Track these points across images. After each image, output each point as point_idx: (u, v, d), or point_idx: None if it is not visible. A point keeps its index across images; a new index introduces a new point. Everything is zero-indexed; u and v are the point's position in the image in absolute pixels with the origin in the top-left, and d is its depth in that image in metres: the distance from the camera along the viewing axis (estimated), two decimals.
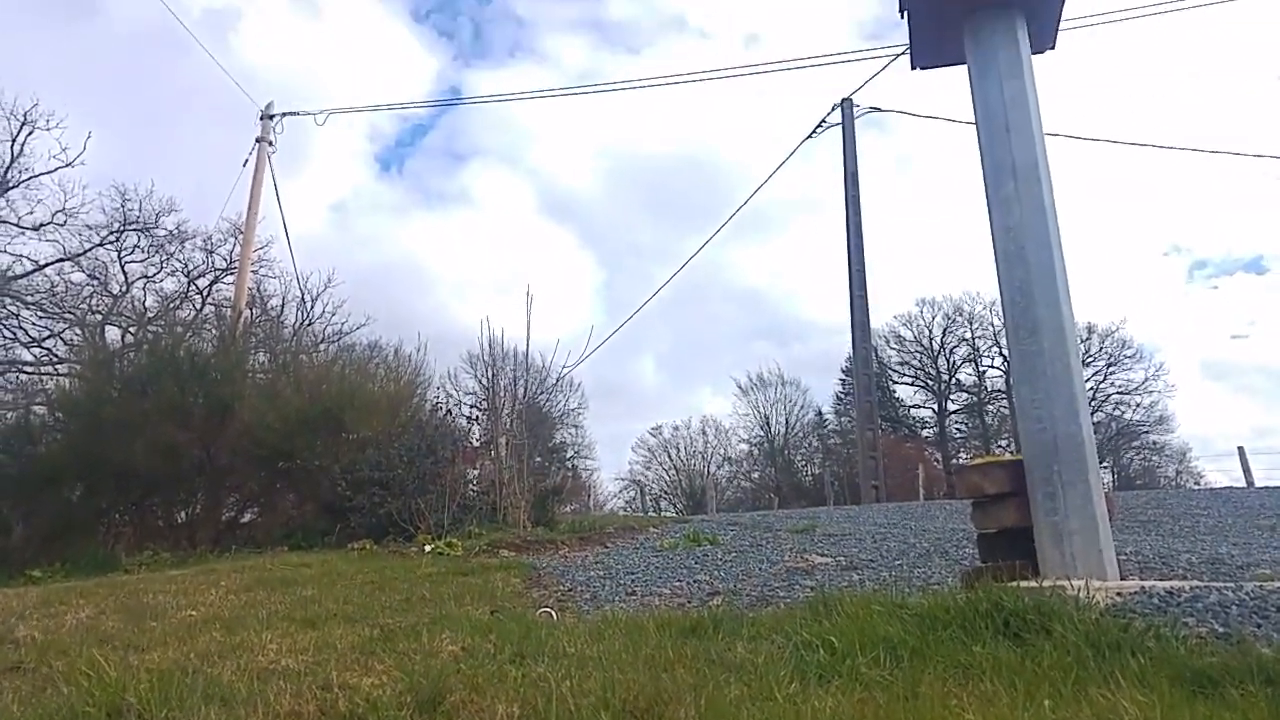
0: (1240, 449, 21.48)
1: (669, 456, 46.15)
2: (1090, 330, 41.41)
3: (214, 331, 15.20)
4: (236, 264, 22.90)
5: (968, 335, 45.12)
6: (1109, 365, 42.01)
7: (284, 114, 20.82)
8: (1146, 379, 42.17)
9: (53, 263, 25.16)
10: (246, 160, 20.63)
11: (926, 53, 4.48)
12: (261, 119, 20.65)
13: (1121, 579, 3.61)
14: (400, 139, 70.55)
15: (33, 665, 3.58)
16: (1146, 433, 42.45)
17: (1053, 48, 4.31)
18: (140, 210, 25.79)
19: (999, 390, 44.16)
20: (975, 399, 45.20)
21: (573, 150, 69.54)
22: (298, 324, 25.72)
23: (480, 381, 12.21)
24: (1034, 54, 4.09)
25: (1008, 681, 2.45)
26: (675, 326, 64.36)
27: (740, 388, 46.25)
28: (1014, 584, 3.29)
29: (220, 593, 5.99)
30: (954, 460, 43.96)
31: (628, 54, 69.54)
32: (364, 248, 54.73)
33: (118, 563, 9.94)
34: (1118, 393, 42.12)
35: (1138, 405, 42.24)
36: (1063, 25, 4.24)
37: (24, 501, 11.30)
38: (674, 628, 3.55)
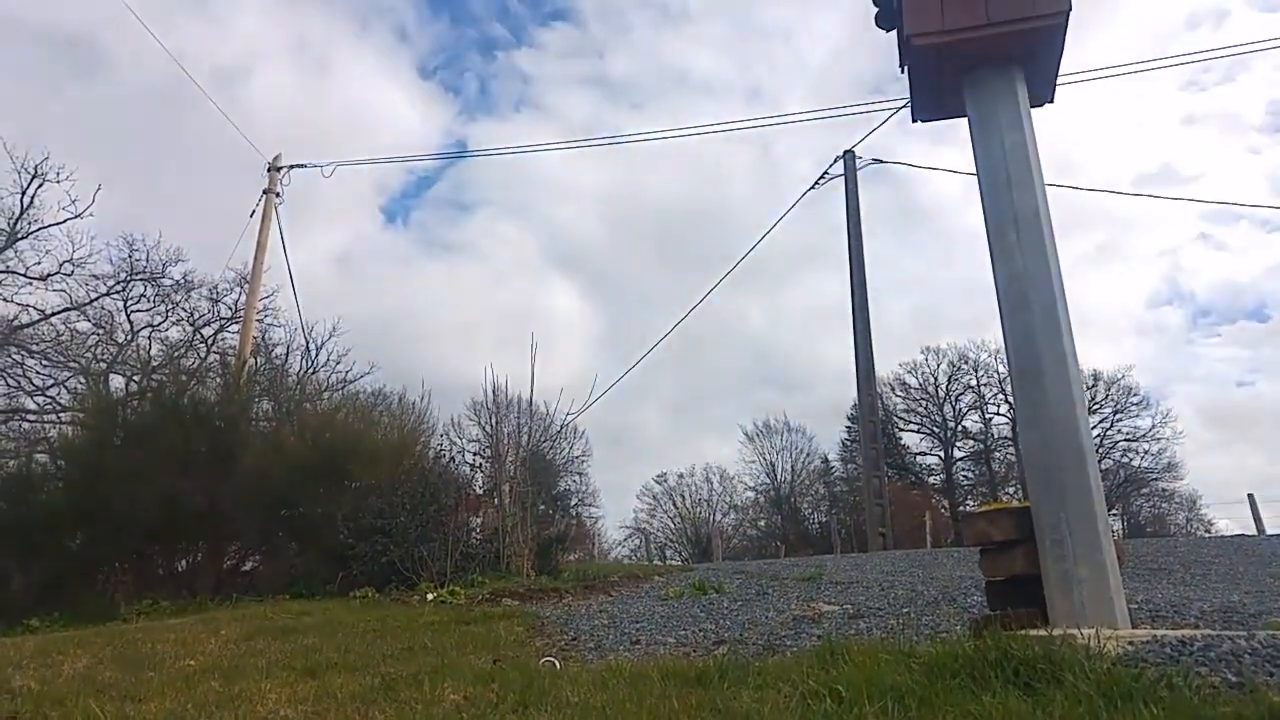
0: (1250, 496, 21.32)
1: (674, 504, 45.89)
2: (1096, 377, 41.38)
3: (218, 380, 15.24)
4: (242, 313, 23.08)
5: (973, 382, 45.15)
6: (1116, 412, 41.92)
7: (291, 166, 21.12)
8: (1154, 426, 42.06)
9: (59, 312, 25.36)
10: (254, 211, 20.90)
11: (927, 106, 4.54)
12: (269, 170, 20.93)
13: (1133, 627, 3.56)
14: (406, 191, 71.58)
15: (29, 716, 3.53)
16: (1155, 480, 42.19)
17: (1051, 101, 4.36)
18: (147, 260, 26.10)
19: (1005, 437, 44.01)
20: (981, 446, 45.01)
21: (578, 201, 70.19)
22: (302, 372, 25.82)
23: (484, 429, 12.21)
24: (1033, 108, 4.15)
25: None
26: (679, 374, 64.50)
27: (746, 435, 46.17)
28: (1024, 632, 3.24)
29: (220, 642, 5.92)
30: (961, 507, 43.69)
31: (631, 109, 70.74)
32: (369, 297, 55.14)
33: (117, 612, 9.85)
34: (1125, 439, 41.93)
35: (1145, 452, 42.09)
36: (1060, 80, 4.30)
37: (24, 550, 11.22)
38: (679, 677, 3.49)
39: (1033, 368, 3.78)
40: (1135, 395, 42.30)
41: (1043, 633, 3.09)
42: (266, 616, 7.54)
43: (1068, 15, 3.85)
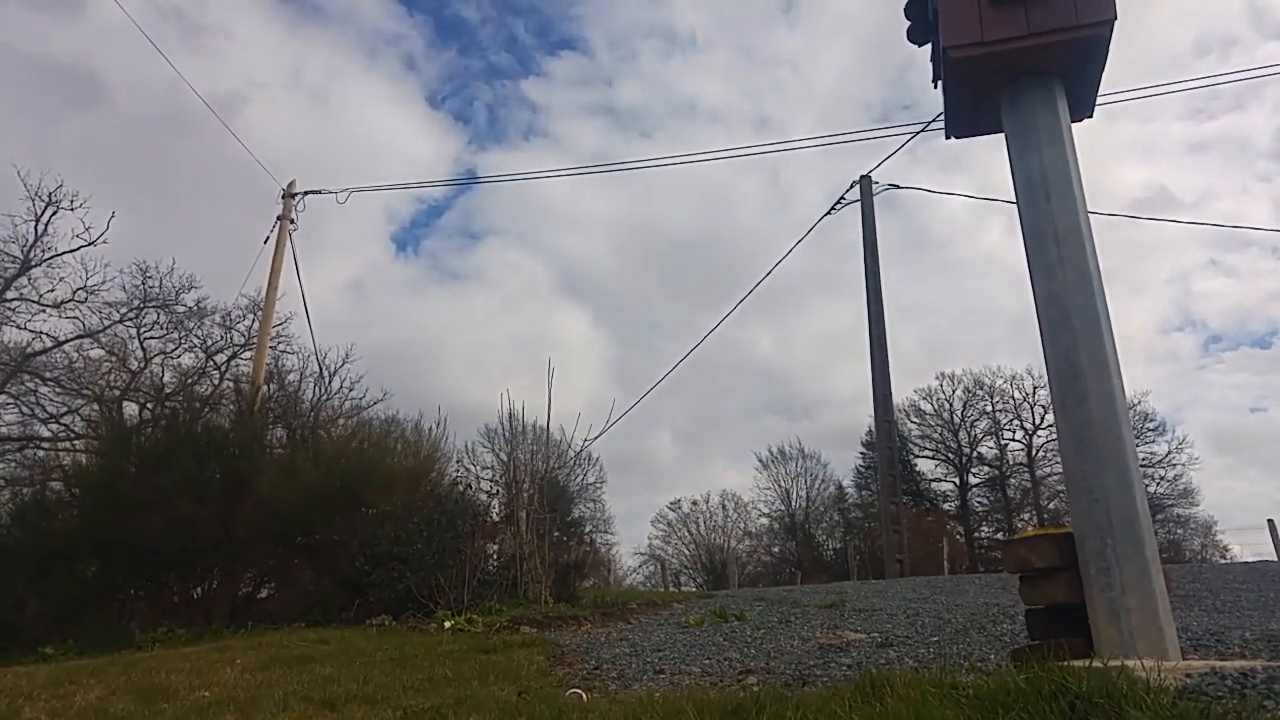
0: (1270, 522, 20.98)
1: (688, 531, 45.50)
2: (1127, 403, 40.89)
3: (232, 407, 15.21)
4: (255, 340, 23.12)
5: (988, 409, 44.78)
6: (1139, 438, 41.49)
7: (305, 192, 21.20)
8: (1170, 452, 41.63)
9: (72, 339, 25.43)
10: (267, 237, 20.96)
11: (962, 122, 4.47)
12: (283, 197, 21.02)
13: (1181, 658, 3.43)
14: (417, 220, 72.09)
15: None
16: (1172, 506, 41.64)
17: (1090, 115, 4.28)
18: (160, 287, 26.16)
19: (1020, 463, 43.63)
20: (997, 472, 44.58)
21: (587, 230, 70.68)
22: (316, 399, 25.76)
23: (499, 456, 12.13)
24: (1073, 122, 4.06)
25: None
26: (690, 401, 64.31)
27: (760, 461, 45.87)
28: (1074, 664, 3.11)
29: (235, 671, 5.82)
30: (976, 534, 43.25)
31: (640, 137, 71.33)
32: (381, 325, 55.45)
33: (131, 639, 9.76)
34: (1141, 465, 41.37)
35: (1161, 478, 41.56)
36: (1100, 97, 4.23)
37: (39, 577, 11.16)
38: (714, 710, 3.37)
39: (1076, 388, 3.67)
40: (1151, 421, 41.91)
41: (1096, 664, 2.96)
42: (282, 645, 7.42)
43: (1112, 25, 3.77)
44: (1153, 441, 41.77)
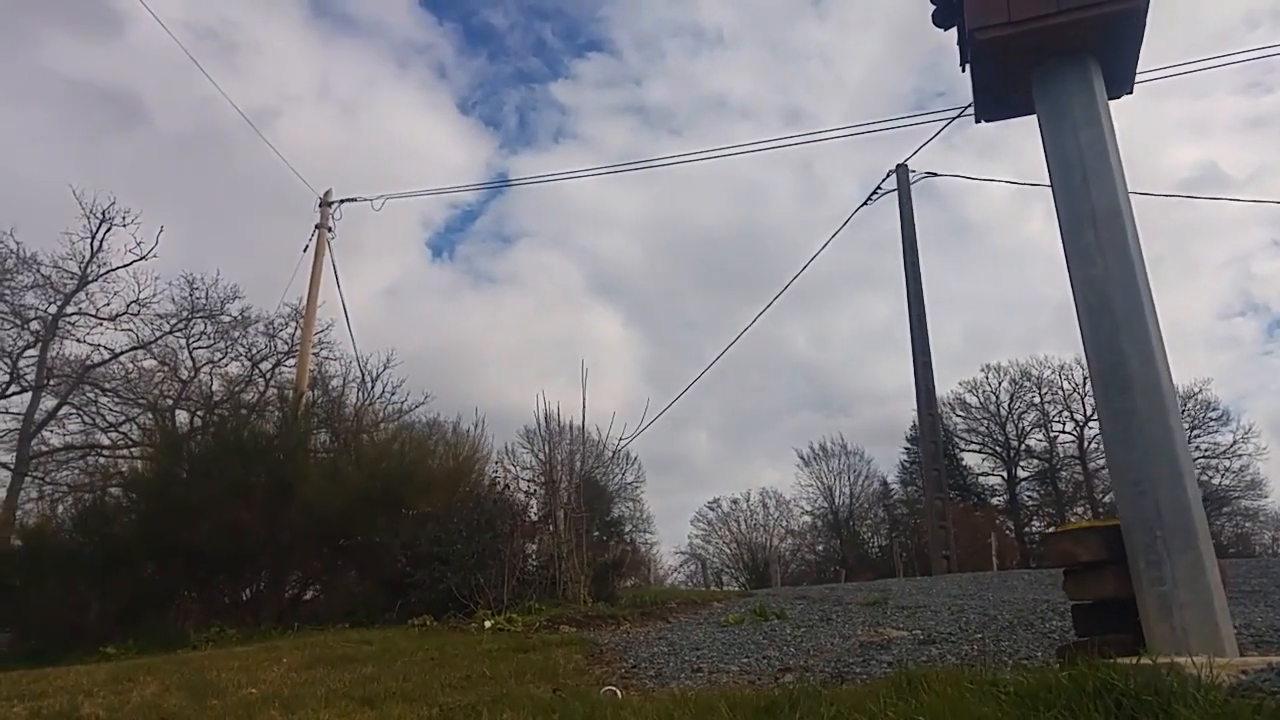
0: None
1: (729, 530, 45.27)
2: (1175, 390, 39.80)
3: (277, 413, 15.47)
4: (298, 347, 23.49)
5: (1036, 400, 43.90)
6: (1194, 428, 40.34)
7: (342, 200, 21.48)
8: (1235, 442, 40.36)
9: (127, 351, 26.20)
10: (306, 246, 21.27)
11: (991, 106, 4.34)
12: (320, 205, 21.31)
13: (1240, 654, 3.30)
14: (451, 225, 72.78)
15: None
16: (1238, 498, 40.42)
17: (1130, 92, 4.13)
18: (207, 298, 26.87)
19: (1072, 456, 42.70)
20: (1047, 465, 43.70)
21: (619, 229, 70.76)
22: (358, 404, 26.12)
23: (537, 456, 12.15)
24: (1110, 100, 3.92)
25: None
26: (726, 399, 64.08)
27: (802, 458, 45.46)
28: (1121, 661, 3.00)
29: (282, 670, 5.91)
30: (1026, 528, 42.46)
31: (670, 135, 71.22)
32: (418, 330, 56.10)
33: (186, 639, 10.00)
34: (1203, 457, 40.30)
35: (1226, 469, 40.38)
36: (1143, 73, 4.08)
37: (100, 580, 11.48)
38: (748, 707, 3.32)
39: (1119, 376, 3.54)
40: (1214, 410, 40.73)
41: (1144, 661, 2.85)
42: (327, 645, 7.53)
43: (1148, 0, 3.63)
44: (1216, 432, 40.63)
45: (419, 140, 65.05)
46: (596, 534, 11.49)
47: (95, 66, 47.26)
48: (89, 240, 25.53)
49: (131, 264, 25.78)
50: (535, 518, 11.36)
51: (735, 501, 45.27)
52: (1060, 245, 3.86)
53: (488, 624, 8.19)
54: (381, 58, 72.47)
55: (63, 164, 42.71)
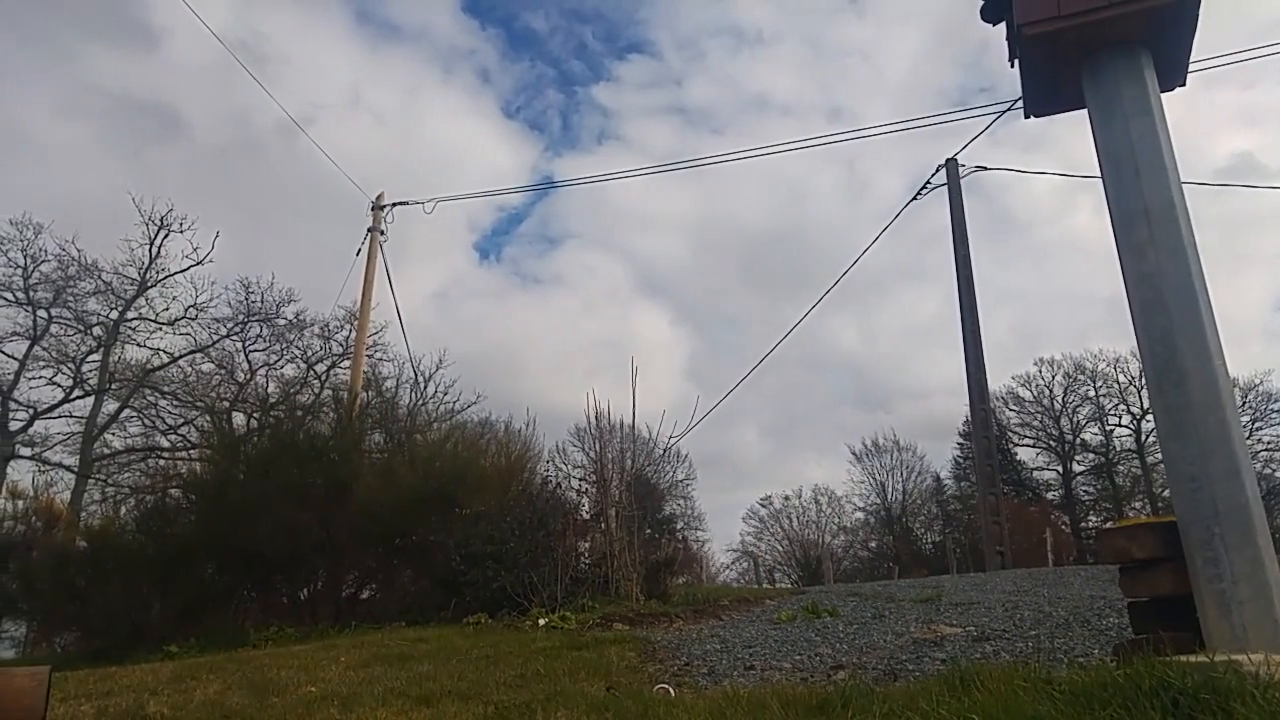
0: None
1: (780, 527, 45.08)
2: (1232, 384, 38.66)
3: (331, 414, 15.78)
4: (352, 349, 23.92)
5: (1091, 393, 42.96)
6: (1254, 421, 39.16)
7: (394, 204, 21.81)
8: None
9: (185, 355, 26.94)
10: (359, 250, 21.63)
11: (1041, 100, 4.28)
12: (373, 209, 21.67)
13: None
14: (497, 228, 73.30)
15: None
16: None
17: (1183, 84, 4.05)
18: (262, 302, 27.47)
19: (1129, 450, 41.72)
20: (1103, 459, 42.76)
21: (663, 229, 70.63)
22: (412, 404, 26.55)
23: (588, 454, 12.26)
24: (1162, 92, 3.86)
25: None
26: (773, 397, 63.71)
27: (854, 454, 45.11)
28: (1179, 658, 2.97)
29: (339, 669, 6.04)
30: (1082, 524, 41.58)
31: (712, 135, 70.91)
32: (467, 332, 56.66)
33: (246, 638, 10.23)
34: (1265, 449, 39.12)
35: None
36: (1192, 64, 4.00)
37: (162, 580, 11.78)
38: (800, 705, 3.34)
39: (1173, 371, 3.49)
40: (1276, 402, 39.45)
41: (1202, 659, 2.82)
42: (383, 643, 7.68)
43: None
44: (1278, 424, 39.34)
45: (465, 145, 65.75)
46: (648, 532, 11.54)
47: (134, 81, 48.59)
48: (148, 247, 26.32)
49: (189, 269, 26.54)
50: (587, 516, 11.46)
51: (787, 498, 45.12)
52: (1112, 239, 3.81)
53: (541, 622, 8.29)
54: (427, 64, 73.39)
55: (112, 176, 44.04)
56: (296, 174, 51.83)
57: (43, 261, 24.83)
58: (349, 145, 57.48)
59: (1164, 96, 3.86)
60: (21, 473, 23.64)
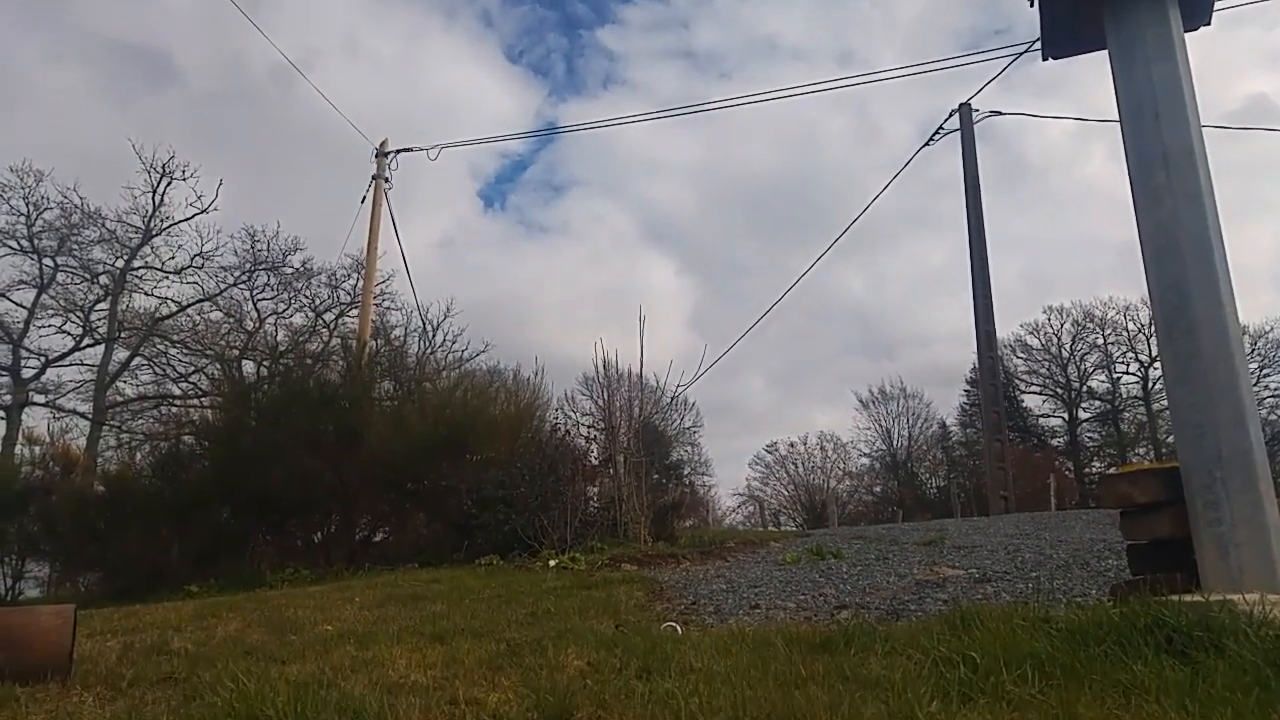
0: None
1: (786, 472, 45.49)
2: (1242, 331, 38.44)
3: (341, 363, 15.89)
4: (360, 298, 23.95)
5: (1099, 342, 42.84)
6: (1262, 368, 39.05)
7: (398, 150, 21.52)
8: None
9: (193, 303, 27.01)
10: (364, 197, 21.43)
11: (1059, 41, 4.20)
12: (377, 156, 21.37)
13: None
14: (501, 175, 72.22)
15: (183, 676, 3.75)
16: None
17: (1208, 24, 3.94)
18: (269, 250, 27.40)
19: (1135, 397, 41.75)
20: (1109, 407, 42.82)
21: (669, 176, 69.74)
22: (420, 353, 26.63)
23: (596, 402, 12.31)
24: (1186, 32, 3.78)
25: (1176, 703, 2.25)
26: (780, 344, 63.60)
27: (860, 401, 45.32)
28: (1174, 598, 3.04)
29: (354, 608, 6.18)
30: (1086, 469, 41.82)
31: (719, 79, 69.43)
32: (473, 281, 56.33)
33: (263, 579, 10.47)
34: (1272, 396, 39.09)
35: None
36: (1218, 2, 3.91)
37: (179, 523, 12.02)
38: (804, 643, 3.43)
39: (1183, 319, 3.49)
40: None
41: (1197, 598, 2.89)
42: (397, 584, 7.84)
43: None
44: None
45: (469, 90, 64.70)
46: (656, 477, 11.68)
47: (123, 25, 47.80)
48: (151, 194, 26.21)
49: (193, 217, 26.45)
50: (596, 462, 11.58)
51: (793, 445, 45.44)
52: (1128, 185, 3.78)
53: (552, 563, 8.44)
54: (428, 7, 72.01)
55: (108, 123, 43.58)
56: (295, 122, 51.01)
57: (45, 209, 24.81)
58: (348, 92, 56.84)
59: (1188, 38, 3.78)
60: (37, 419, 23.94)
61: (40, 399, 24.79)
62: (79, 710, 3.20)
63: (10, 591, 12.67)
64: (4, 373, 24.49)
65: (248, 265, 27.36)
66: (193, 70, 49.09)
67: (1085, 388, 43.56)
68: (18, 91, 39.21)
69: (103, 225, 25.62)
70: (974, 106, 21.80)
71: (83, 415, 24.92)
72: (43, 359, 25.08)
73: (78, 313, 25.60)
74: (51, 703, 3.36)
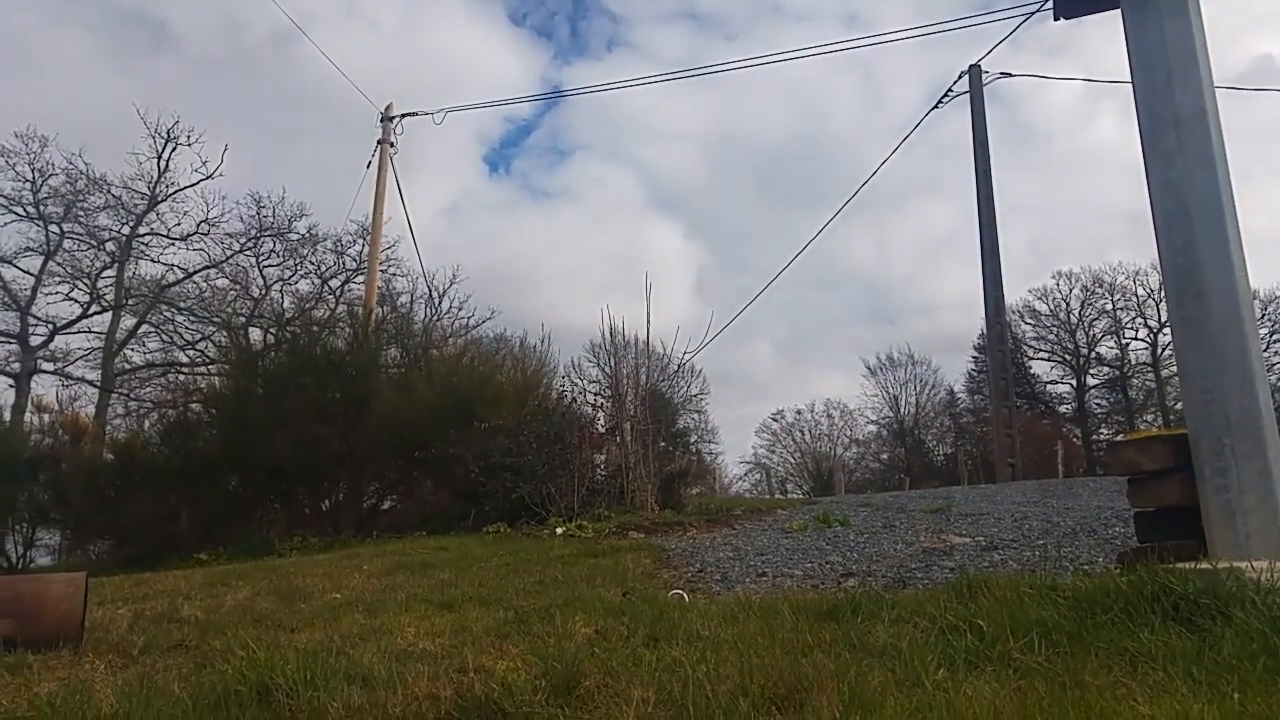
0: None
1: (793, 440, 45.56)
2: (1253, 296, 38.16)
3: (348, 330, 15.86)
4: (366, 264, 23.87)
5: (1108, 307, 42.57)
6: (1273, 334, 38.82)
7: (403, 115, 21.30)
8: None
9: (200, 270, 26.95)
10: (370, 162, 21.25)
11: (1072, 1, 4.14)
12: (382, 121, 21.16)
13: None
14: (506, 140, 71.53)
15: (194, 644, 3.79)
16: None
17: None
18: (274, 216, 27.26)
19: (1144, 363, 41.59)
20: (1118, 373, 42.68)
21: (675, 141, 69.06)
22: (427, 320, 26.60)
23: (603, 370, 12.30)
24: None
25: (1183, 670, 2.25)
26: (786, 311, 63.47)
27: (868, 368, 45.22)
28: (1181, 565, 3.03)
29: (363, 576, 6.23)
30: (1094, 436, 41.78)
31: (724, 41, 68.41)
32: (479, 247, 56.08)
33: (272, 547, 10.55)
34: None
35: None
36: None
37: (189, 491, 12.10)
38: (810, 610, 3.44)
39: (1193, 283, 3.46)
40: None
41: (1204, 565, 2.88)
42: (405, 552, 7.89)
43: None
44: None
45: (472, 54, 63.98)
46: (663, 445, 11.68)
47: None
48: (156, 160, 26.07)
49: (199, 183, 26.29)
50: (603, 429, 11.59)
51: (799, 412, 45.45)
52: (1138, 147, 3.72)
53: (559, 530, 8.49)
54: None
55: (110, 89, 43.21)
56: (298, 88, 50.53)
57: (51, 175, 24.67)
58: (349, 57, 56.10)
59: None
60: (45, 387, 24.03)
61: (48, 366, 24.89)
62: (91, 678, 3.23)
63: (21, 559, 12.81)
64: (12, 340, 24.54)
65: (253, 231, 27.28)
66: (189, 36, 48.57)
67: (1094, 354, 43.40)
68: (20, 55, 38.88)
69: (108, 191, 25.53)
70: (983, 69, 21.51)
71: (91, 383, 25.02)
72: (51, 326, 25.13)
73: (85, 280, 25.59)
74: (64, 670, 3.40)
